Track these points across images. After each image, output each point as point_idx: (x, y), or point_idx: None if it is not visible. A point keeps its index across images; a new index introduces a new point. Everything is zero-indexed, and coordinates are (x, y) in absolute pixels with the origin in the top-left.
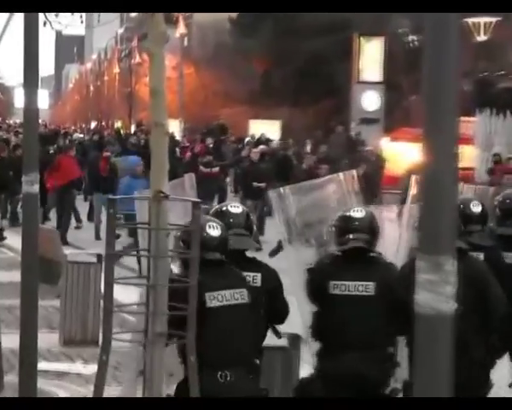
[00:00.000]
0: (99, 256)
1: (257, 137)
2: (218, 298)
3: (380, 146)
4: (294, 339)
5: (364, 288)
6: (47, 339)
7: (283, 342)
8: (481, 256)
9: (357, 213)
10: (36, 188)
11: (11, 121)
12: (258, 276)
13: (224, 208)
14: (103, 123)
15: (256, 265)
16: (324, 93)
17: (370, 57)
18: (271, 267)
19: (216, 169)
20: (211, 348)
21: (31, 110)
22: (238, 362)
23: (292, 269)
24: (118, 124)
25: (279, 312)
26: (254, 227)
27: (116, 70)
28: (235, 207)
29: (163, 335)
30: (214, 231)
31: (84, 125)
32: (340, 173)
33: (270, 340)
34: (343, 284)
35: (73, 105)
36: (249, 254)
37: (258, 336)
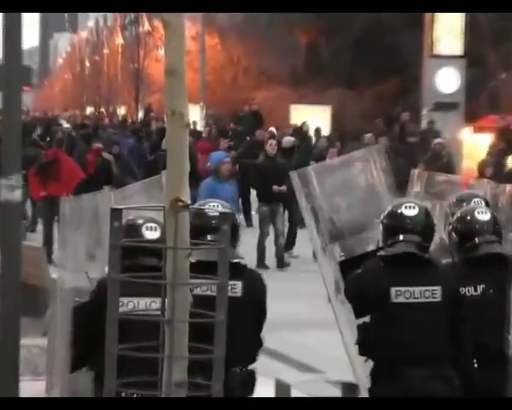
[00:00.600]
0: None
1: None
2: (129, 305)
3: (458, 138)
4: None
5: (431, 293)
6: (31, 389)
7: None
8: None
9: (409, 209)
10: (18, 194)
11: None
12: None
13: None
14: (102, 109)
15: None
16: (387, 71)
17: (447, 25)
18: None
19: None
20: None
21: (11, 93)
22: None
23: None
24: (121, 110)
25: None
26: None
27: (119, 41)
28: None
29: (182, 385)
30: (152, 233)
31: (77, 112)
32: (368, 149)
33: None
34: (407, 290)
35: (64, 86)
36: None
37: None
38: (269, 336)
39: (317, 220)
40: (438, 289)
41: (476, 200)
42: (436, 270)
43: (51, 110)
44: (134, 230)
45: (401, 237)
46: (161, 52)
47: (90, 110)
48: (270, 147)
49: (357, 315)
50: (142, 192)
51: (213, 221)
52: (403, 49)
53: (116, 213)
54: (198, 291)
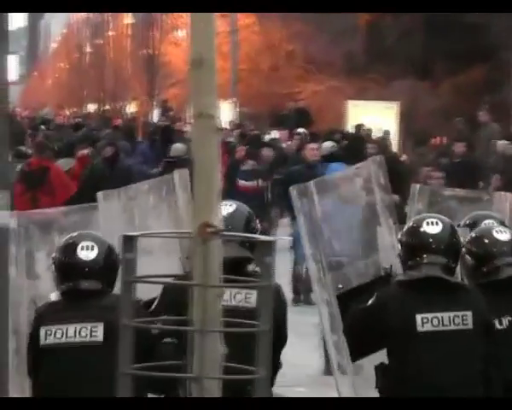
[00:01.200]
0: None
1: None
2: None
3: None
4: None
5: (461, 320)
6: None
7: None
8: None
9: (432, 226)
10: (7, 216)
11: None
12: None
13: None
14: (107, 106)
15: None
16: (470, 57)
17: None
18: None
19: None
20: None
21: None
22: None
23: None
24: (130, 108)
25: None
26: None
27: (128, 20)
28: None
29: None
30: (88, 253)
31: (74, 110)
32: (367, 162)
33: None
34: (435, 316)
35: (58, 77)
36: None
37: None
38: None
39: (316, 244)
40: (468, 315)
41: (489, 221)
42: (466, 294)
43: (41, 107)
44: (68, 250)
45: (425, 260)
46: (181, 34)
47: (91, 108)
48: (312, 152)
49: (362, 354)
50: (150, 192)
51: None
52: (490, 29)
53: (129, 243)
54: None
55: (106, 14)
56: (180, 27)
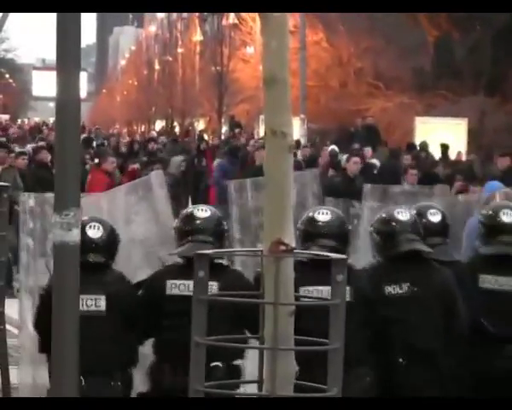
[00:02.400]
0: None
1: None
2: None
3: None
4: None
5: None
6: None
7: None
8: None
9: (322, 215)
10: (76, 234)
11: (26, 120)
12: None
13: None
14: (175, 123)
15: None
16: None
17: None
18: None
19: None
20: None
21: (67, 105)
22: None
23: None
24: (199, 124)
25: None
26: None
27: (197, 37)
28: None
29: None
30: (95, 231)
31: (142, 127)
32: (304, 172)
33: None
34: (315, 289)
35: (127, 94)
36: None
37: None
38: None
39: (244, 231)
40: (348, 290)
41: (433, 211)
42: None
43: (112, 124)
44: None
45: (318, 243)
46: (250, 50)
47: (159, 124)
48: (355, 165)
49: None
50: (131, 192)
51: (198, 222)
52: None
53: (202, 260)
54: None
55: (175, 30)
56: (249, 44)
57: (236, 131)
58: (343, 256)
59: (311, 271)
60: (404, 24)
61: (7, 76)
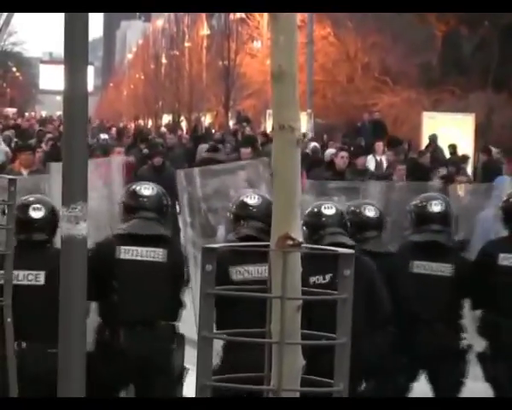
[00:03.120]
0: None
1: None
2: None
3: None
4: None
5: (264, 270)
6: None
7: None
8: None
9: (252, 200)
10: (83, 228)
11: (33, 113)
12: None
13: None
14: (182, 117)
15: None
16: None
17: None
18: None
19: None
20: None
21: (74, 99)
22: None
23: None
24: (206, 118)
25: None
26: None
27: (204, 31)
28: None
29: None
30: (36, 212)
31: (150, 121)
32: (255, 160)
33: None
34: (246, 269)
35: (134, 88)
36: None
37: None
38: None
39: (194, 215)
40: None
41: (369, 207)
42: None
43: (118, 118)
44: (22, 210)
45: (246, 224)
46: (257, 45)
47: (166, 119)
48: (342, 160)
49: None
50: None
51: (144, 199)
52: None
53: (209, 254)
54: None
55: (182, 25)
56: (256, 38)
57: (244, 125)
58: (351, 251)
59: (242, 251)
60: (411, 19)
61: (14, 70)
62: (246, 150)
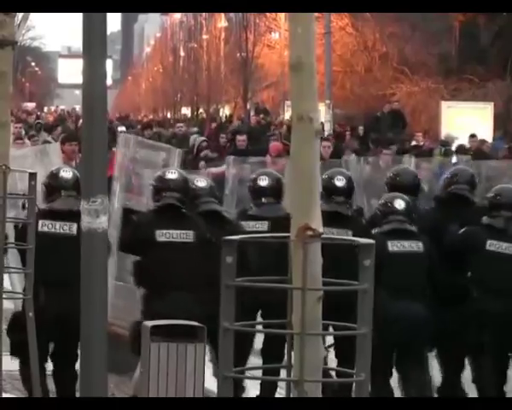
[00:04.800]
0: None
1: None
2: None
3: None
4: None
5: (186, 236)
6: None
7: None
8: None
9: (171, 174)
10: (104, 221)
11: (53, 108)
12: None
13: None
14: (201, 110)
15: None
16: None
17: None
18: None
19: None
20: None
21: (94, 94)
22: None
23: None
24: (225, 110)
25: None
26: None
27: (222, 23)
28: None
29: None
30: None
31: (169, 114)
32: (172, 148)
33: None
34: (168, 232)
35: (152, 81)
36: None
37: None
38: None
39: (126, 177)
40: (191, 233)
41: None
42: (190, 219)
43: (136, 111)
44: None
45: (165, 194)
46: (275, 36)
47: (185, 111)
48: (324, 149)
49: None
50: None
51: (65, 180)
52: None
53: (230, 246)
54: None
55: (200, 17)
56: (274, 30)
57: (261, 116)
58: (371, 241)
59: (164, 217)
60: (428, 14)
61: (33, 64)
62: (241, 137)
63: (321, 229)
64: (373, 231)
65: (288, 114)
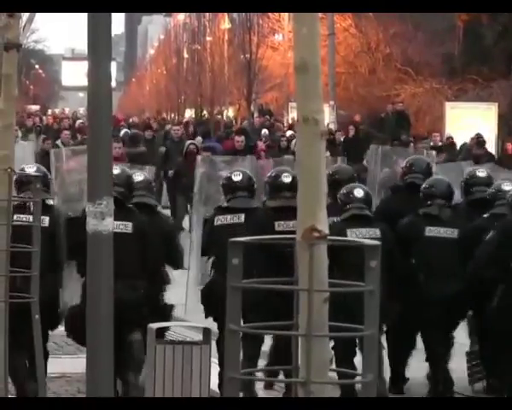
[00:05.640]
0: (206, 331)
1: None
2: None
3: None
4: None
5: (125, 227)
6: None
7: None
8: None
9: (115, 170)
10: (109, 223)
11: (57, 110)
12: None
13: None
14: (204, 112)
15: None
16: None
17: None
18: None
19: None
20: None
21: (99, 96)
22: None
23: None
24: (229, 112)
25: None
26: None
27: (225, 25)
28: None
29: None
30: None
31: (172, 116)
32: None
33: None
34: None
35: (156, 83)
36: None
37: None
38: None
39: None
40: (129, 225)
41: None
42: (130, 211)
43: (141, 114)
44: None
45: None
46: (278, 37)
47: (188, 113)
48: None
49: None
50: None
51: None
52: None
53: (235, 248)
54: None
55: (203, 19)
56: (277, 31)
57: (265, 117)
58: (377, 243)
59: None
60: (431, 14)
61: (37, 67)
62: (239, 138)
63: (327, 230)
64: (334, 220)
65: (291, 116)
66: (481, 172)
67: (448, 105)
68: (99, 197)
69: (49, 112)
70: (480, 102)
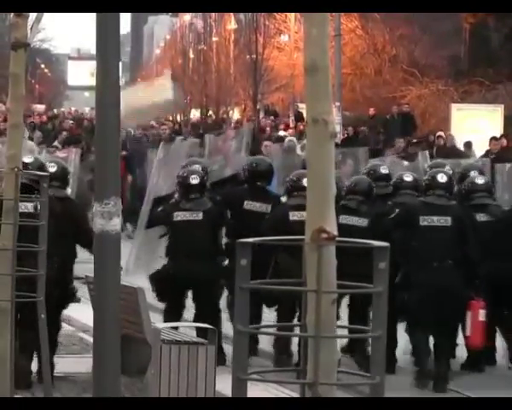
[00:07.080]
0: (211, 332)
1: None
2: None
3: None
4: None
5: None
6: None
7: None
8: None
9: (51, 168)
10: (117, 223)
11: (62, 109)
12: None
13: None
14: (210, 112)
15: None
16: None
17: None
18: None
19: None
20: None
21: (107, 97)
22: None
23: None
24: (235, 112)
25: None
26: None
27: (231, 25)
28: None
29: None
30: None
31: (178, 116)
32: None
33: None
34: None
35: None
36: None
37: None
38: None
39: None
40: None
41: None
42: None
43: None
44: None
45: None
46: (284, 38)
47: (194, 114)
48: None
49: None
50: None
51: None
52: None
53: (245, 248)
54: None
55: (209, 19)
56: (283, 32)
57: (271, 118)
58: (385, 244)
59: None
60: (438, 14)
61: (42, 66)
62: (231, 132)
63: (335, 232)
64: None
65: (291, 118)
66: (383, 169)
67: (454, 107)
68: (107, 197)
69: (55, 111)
70: (485, 103)
